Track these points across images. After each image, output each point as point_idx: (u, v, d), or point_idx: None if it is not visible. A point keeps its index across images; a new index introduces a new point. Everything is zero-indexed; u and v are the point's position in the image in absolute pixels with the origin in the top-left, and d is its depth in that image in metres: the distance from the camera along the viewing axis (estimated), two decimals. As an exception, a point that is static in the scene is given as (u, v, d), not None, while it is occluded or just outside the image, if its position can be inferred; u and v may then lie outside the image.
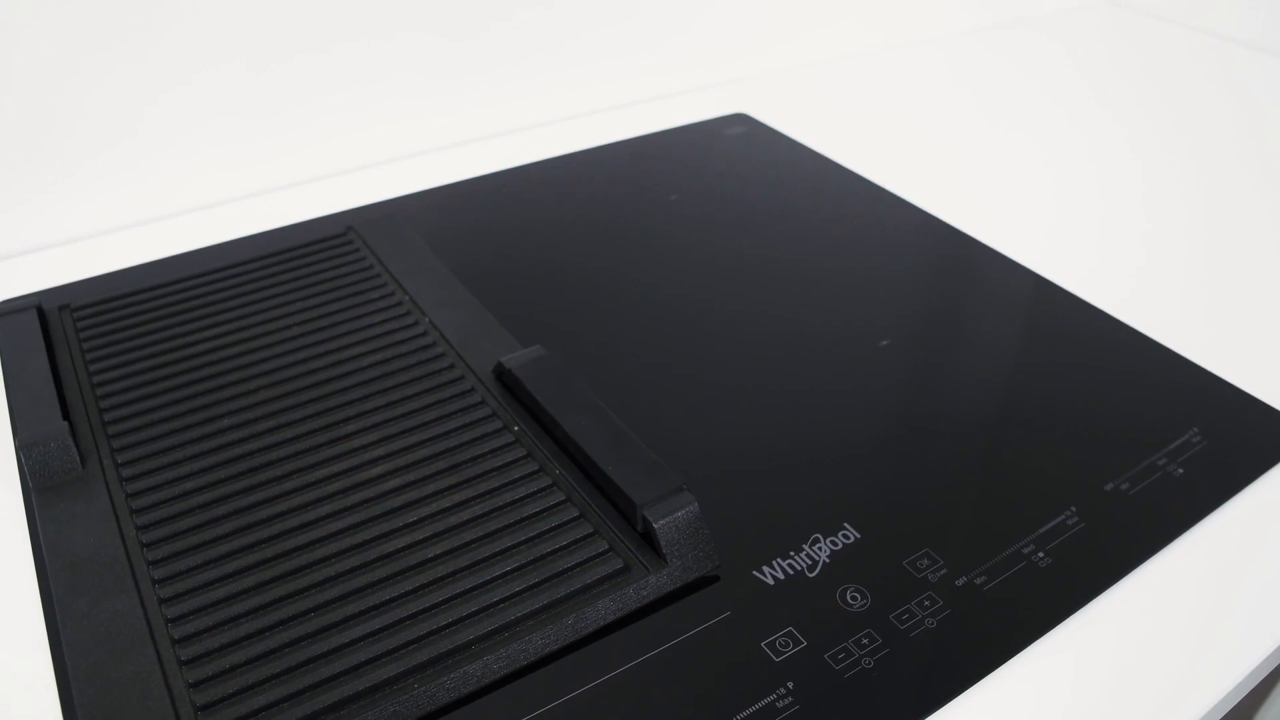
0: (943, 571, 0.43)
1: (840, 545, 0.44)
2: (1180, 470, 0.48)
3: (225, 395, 0.51)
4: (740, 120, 0.80)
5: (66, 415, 0.50)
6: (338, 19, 0.69)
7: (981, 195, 0.72)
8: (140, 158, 0.67)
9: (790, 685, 0.38)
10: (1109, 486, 0.47)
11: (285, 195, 0.70)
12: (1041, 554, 0.44)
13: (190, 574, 0.42)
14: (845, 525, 0.45)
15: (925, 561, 0.43)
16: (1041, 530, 0.45)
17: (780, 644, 0.40)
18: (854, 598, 0.42)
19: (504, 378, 0.50)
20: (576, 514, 0.43)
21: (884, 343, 0.56)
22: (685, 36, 0.85)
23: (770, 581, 0.42)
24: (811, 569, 0.43)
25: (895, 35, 0.99)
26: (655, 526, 0.41)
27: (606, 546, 0.42)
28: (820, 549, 0.44)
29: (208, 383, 0.52)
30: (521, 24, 0.76)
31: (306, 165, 0.72)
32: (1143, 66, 0.95)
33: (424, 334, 0.54)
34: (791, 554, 0.44)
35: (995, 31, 1.03)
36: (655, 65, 0.84)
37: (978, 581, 0.43)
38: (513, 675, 0.39)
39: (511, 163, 0.75)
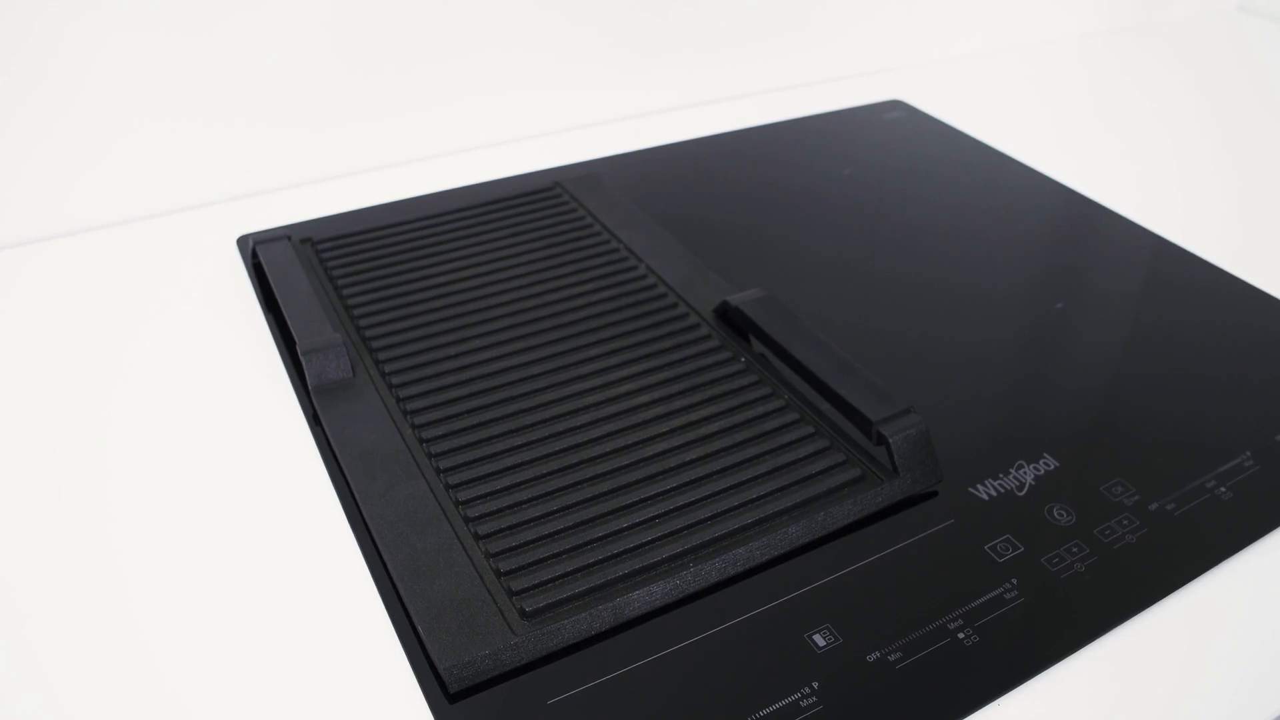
0: (1136, 497, 0.48)
1: (1043, 471, 0.49)
2: (1342, 426, 0.53)
3: (470, 320, 0.57)
4: (897, 106, 0.85)
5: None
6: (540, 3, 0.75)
7: (1132, 178, 0.77)
8: (358, 115, 0.73)
9: (1014, 581, 0.44)
10: (1279, 437, 0.52)
11: (488, 153, 0.76)
12: (1223, 489, 0.49)
13: (472, 465, 0.48)
14: (1045, 454, 0.50)
15: (1119, 488, 0.49)
16: (1221, 469, 0.50)
17: (1001, 548, 0.45)
18: (1060, 514, 0.47)
19: (729, 315, 0.56)
20: (811, 430, 0.49)
21: (1059, 305, 0.61)
22: (846, 26, 0.90)
23: (984, 497, 0.48)
24: (1019, 489, 0.48)
25: (1033, 34, 1.04)
26: (891, 441, 0.46)
27: (843, 458, 0.47)
28: (1025, 473, 0.49)
29: (451, 309, 0.58)
30: (704, 11, 0.82)
31: (508, 126, 0.78)
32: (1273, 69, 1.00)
33: (643, 276, 0.60)
34: (1000, 475, 0.49)
35: (1130, 33, 1.08)
36: (819, 53, 0.90)
37: (1169, 508, 0.48)
38: (770, 562, 0.44)
39: (689, 135, 0.80)
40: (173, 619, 0.41)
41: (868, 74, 0.94)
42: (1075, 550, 0.45)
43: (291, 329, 0.55)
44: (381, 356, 0.54)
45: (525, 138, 0.80)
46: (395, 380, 0.53)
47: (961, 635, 0.41)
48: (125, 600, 0.42)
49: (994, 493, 0.48)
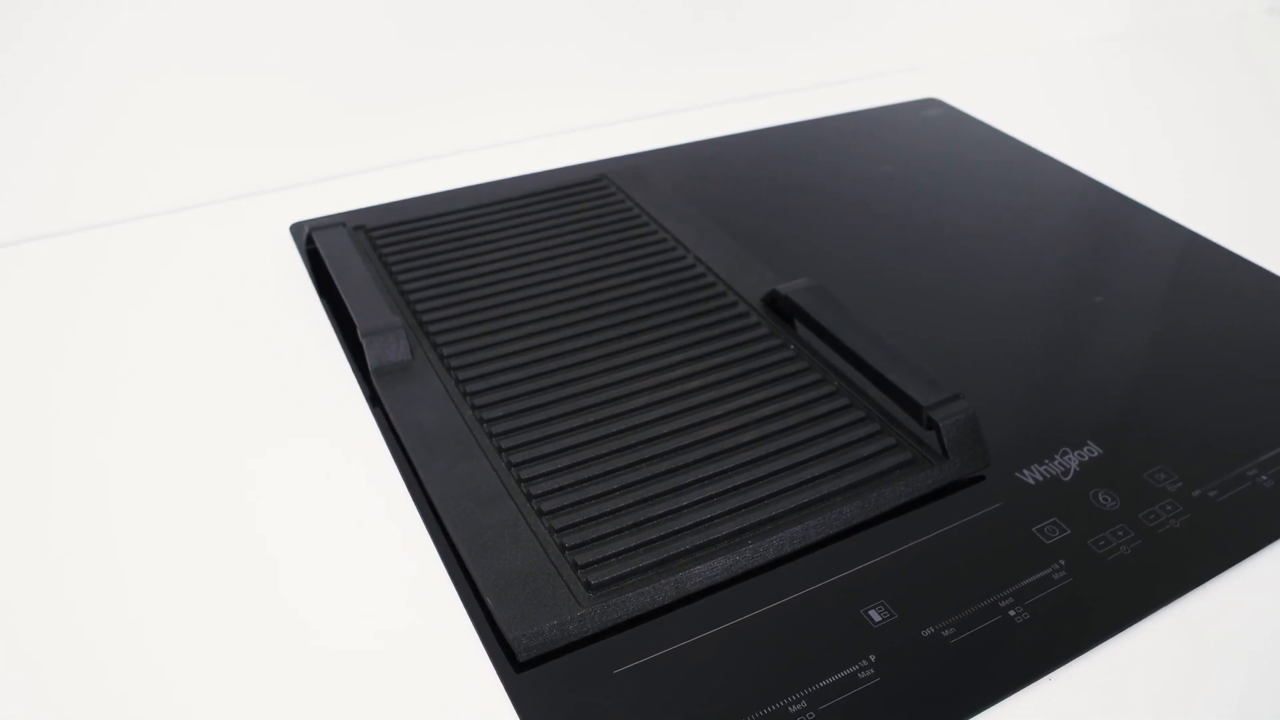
0: (1179, 484, 0.49)
1: (1087, 458, 0.51)
2: (1379, 418, 0.54)
3: (524, 306, 0.58)
4: (934, 104, 0.87)
5: (390, 315, 0.57)
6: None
7: (1168, 175, 0.78)
8: (395, 108, 0.75)
9: (1062, 563, 0.45)
10: (1317, 427, 0.53)
11: (528, 146, 0.78)
12: (1265, 477, 0.50)
13: (532, 445, 0.49)
14: (1088, 442, 0.52)
15: (1162, 475, 0.50)
16: (1263, 458, 0.51)
17: (1048, 530, 0.46)
18: (1105, 499, 0.48)
19: (778, 303, 0.57)
20: (862, 415, 0.50)
21: (1098, 298, 0.62)
22: (881, 23, 0.92)
23: (1031, 482, 0.49)
24: (1064, 475, 0.49)
25: (1065, 32, 1.05)
26: (941, 425, 0.48)
27: (894, 442, 0.49)
28: (1069, 459, 0.50)
29: (505, 295, 0.59)
30: (741, 9, 0.83)
31: (547, 120, 0.80)
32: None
33: (691, 266, 0.61)
34: (1045, 461, 0.50)
35: (1165, 33, 1.09)
36: (854, 50, 0.91)
37: (1211, 494, 0.49)
38: (826, 540, 0.46)
39: (728, 131, 0.82)
40: (245, 595, 0.43)
41: (902, 71, 0.95)
42: (1120, 534, 0.46)
43: (351, 312, 0.56)
44: (439, 340, 0.56)
45: (566, 131, 0.81)
46: (453, 363, 0.54)
47: (1012, 613, 0.43)
48: (201, 578, 0.44)
49: (1040, 478, 0.49)
